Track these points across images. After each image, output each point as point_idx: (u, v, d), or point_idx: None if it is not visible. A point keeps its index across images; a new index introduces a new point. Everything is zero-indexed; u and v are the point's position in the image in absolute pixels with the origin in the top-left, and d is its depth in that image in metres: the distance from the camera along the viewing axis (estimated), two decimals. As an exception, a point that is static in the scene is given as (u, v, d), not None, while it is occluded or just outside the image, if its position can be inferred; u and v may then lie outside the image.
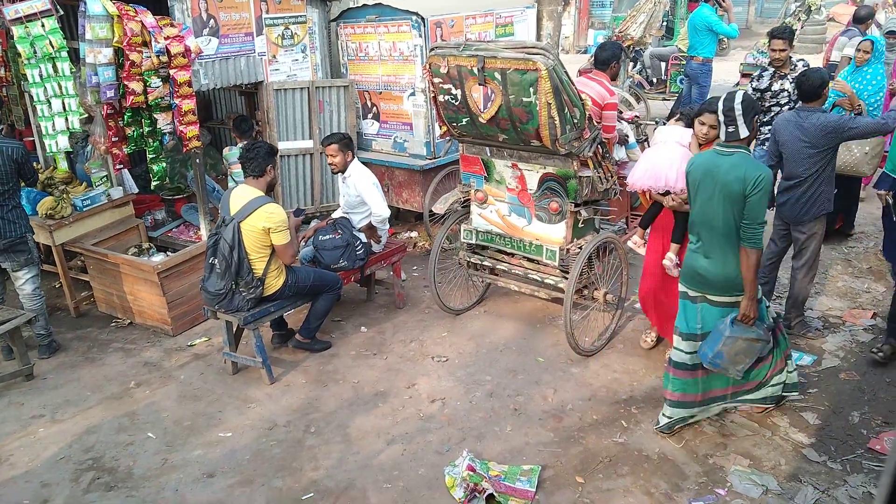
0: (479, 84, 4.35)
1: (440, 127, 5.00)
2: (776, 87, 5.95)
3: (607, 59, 5.17)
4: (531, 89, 4.12)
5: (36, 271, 5.03)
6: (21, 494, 3.72)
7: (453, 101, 4.60)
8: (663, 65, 11.15)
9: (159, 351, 5.20)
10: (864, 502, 3.46)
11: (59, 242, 5.55)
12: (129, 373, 4.92)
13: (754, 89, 5.98)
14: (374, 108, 6.93)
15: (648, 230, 4.74)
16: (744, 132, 3.51)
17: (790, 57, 5.99)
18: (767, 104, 5.99)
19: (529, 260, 4.98)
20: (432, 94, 4.78)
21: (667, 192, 4.29)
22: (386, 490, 3.67)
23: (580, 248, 4.68)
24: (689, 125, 4.34)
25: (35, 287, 5.01)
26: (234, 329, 4.81)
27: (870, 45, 6.23)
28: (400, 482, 3.73)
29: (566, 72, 4.18)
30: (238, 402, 4.53)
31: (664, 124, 4.86)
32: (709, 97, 7.00)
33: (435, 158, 6.66)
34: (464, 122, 4.69)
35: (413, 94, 6.52)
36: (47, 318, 5.17)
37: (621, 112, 5.81)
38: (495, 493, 3.53)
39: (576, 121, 4.28)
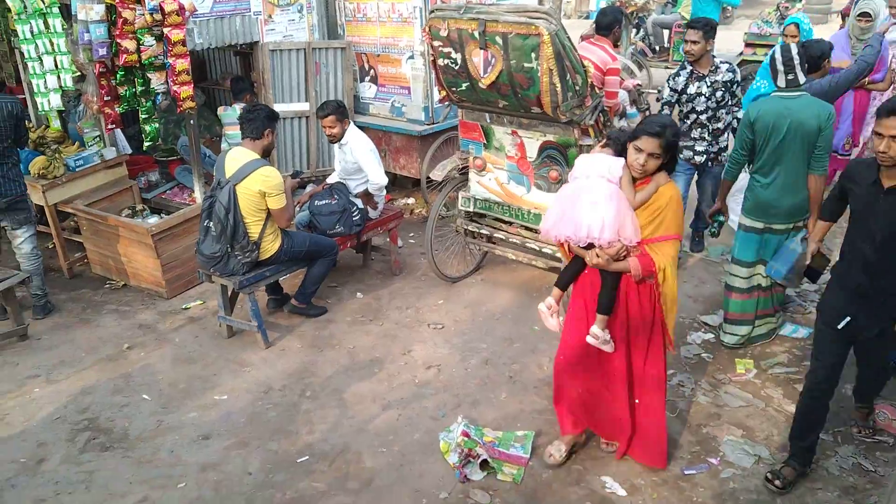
0: (480, 48, 4.27)
1: (439, 92, 4.92)
2: (692, 89, 5.01)
3: (609, 24, 5.11)
4: (533, 55, 4.05)
5: (33, 230, 4.99)
6: (18, 453, 3.73)
7: (453, 66, 4.53)
8: (666, 32, 10.98)
9: (154, 313, 5.19)
10: (853, 473, 3.50)
11: (51, 202, 5.49)
12: (123, 335, 4.90)
13: (671, 89, 5.11)
14: (372, 70, 6.82)
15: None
16: (802, 78, 4.01)
17: (713, 56, 5.05)
18: (684, 110, 5.12)
19: (527, 229, 4.95)
20: (432, 58, 4.70)
21: (591, 245, 3.14)
22: (381, 454, 3.70)
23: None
24: (620, 153, 3.21)
25: (33, 247, 4.97)
26: (230, 293, 4.79)
27: (795, 29, 5.52)
28: (395, 447, 3.75)
29: (569, 37, 4.11)
30: (233, 365, 4.53)
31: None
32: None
33: (433, 124, 6.58)
34: (463, 87, 4.62)
35: (412, 57, 6.41)
36: (43, 278, 5.14)
37: (622, 80, 5.74)
38: (489, 459, 3.55)
39: (577, 88, 4.21)
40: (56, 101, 5.07)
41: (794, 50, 3.98)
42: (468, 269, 5.67)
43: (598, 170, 3.14)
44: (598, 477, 3.51)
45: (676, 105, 5.14)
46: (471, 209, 5.19)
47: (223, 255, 4.45)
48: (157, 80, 5.05)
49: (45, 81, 4.95)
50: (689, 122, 5.12)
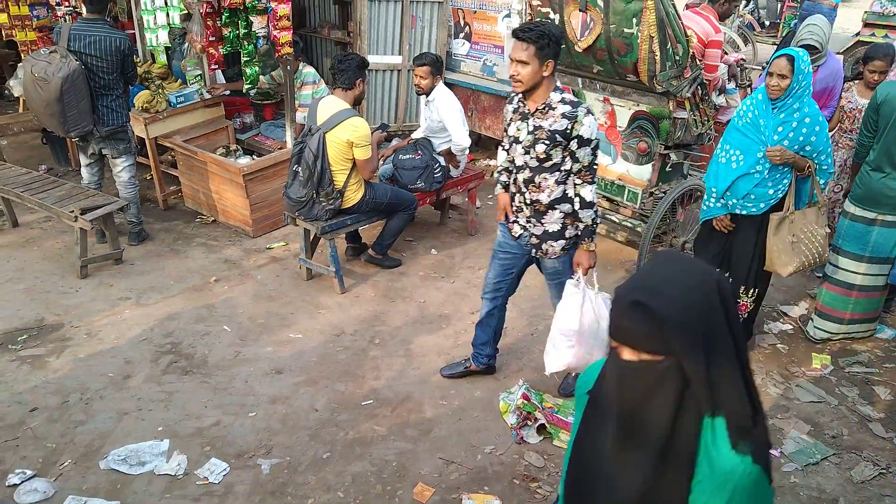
0: (580, 10, 4.18)
1: (533, 53, 4.85)
2: (512, 128, 3.31)
3: None
4: (634, 20, 3.93)
5: (133, 160, 5.27)
6: (107, 367, 4.02)
7: (550, 28, 4.45)
8: (779, 6, 10.41)
9: (239, 250, 5.42)
10: (927, 484, 3.36)
11: (152, 135, 5.77)
12: (210, 267, 5.15)
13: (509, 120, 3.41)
14: (467, 27, 6.77)
15: None
16: None
17: (556, 88, 3.15)
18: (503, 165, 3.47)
19: (609, 200, 4.87)
20: (529, 17, 4.63)
21: None
22: (441, 406, 3.79)
23: (664, 192, 4.54)
24: None
25: (131, 176, 5.26)
26: (312, 237, 4.95)
27: (787, 65, 3.51)
28: (455, 401, 3.84)
29: (673, 4, 3.97)
30: (309, 306, 4.70)
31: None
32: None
33: (523, 86, 6.49)
34: (558, 51, 4.53)
35: (508, 15, 6.33)
36: (139, 207, 5.43)
37: (726, 52, 5.49)
38: (547, 424, 3.59)
39: (678, 58, 4.07)
40: (163, 37, 5.29)
41: None
42: (545, 235, 5.63)
43: None
44: (656, 455, 3.49)
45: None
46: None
47: (308, 200, 4.59)
48: (258, 24, 5.18)
49: (155, 18, 5.17)
50: (513, 177, 3.44)
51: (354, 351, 4.25)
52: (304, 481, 3.28)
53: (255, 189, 5.45)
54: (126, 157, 5.19)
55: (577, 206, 3.30)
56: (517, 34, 3.00)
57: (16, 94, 6.63)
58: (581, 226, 3.34)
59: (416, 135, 5.57)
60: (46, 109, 4.73)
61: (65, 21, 5.80)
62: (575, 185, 3.28)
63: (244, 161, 5.65)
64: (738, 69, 5.68)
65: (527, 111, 3.21)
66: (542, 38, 2.96)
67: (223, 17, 5.14)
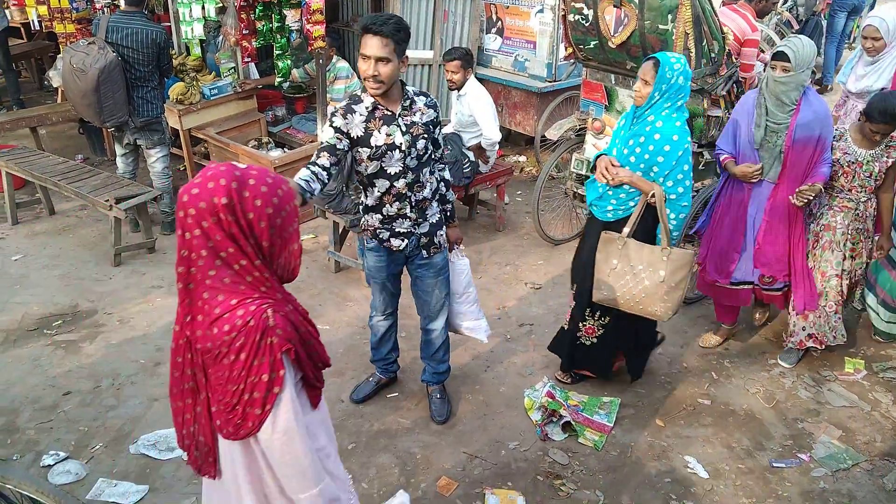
0: (614, 6, 4.14)
1: (565, 48, 4.83)
2: (378, 138, 2.96)
3: None
4: (669, 16, 3.89)
5: (167, 151, 5.35)
6: (138, 354, 4.09)
7: (583, 22, 4.42)
8: (817, 2, 10.17)
9: (268, 241, 5.46)
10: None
11: (186, 127, 5.85)
12: (239, 258, 5.20)
13: (337, 130, 2.98)
14: (500, 22, 6.75)
15: None
16: None
17: (402, 83, 2.99)
18: (364, 170, 3.07)
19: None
20: (562, 13, 4.61)
21: None
22: (467, 401, 3.80)
23: (697, 191, 4.47)
24: None
25: (165, 166, 5.34)
26: (340, 230, 4.98)
27: (651, 71, 3.10)
28: (480, 396, 3.84)
29: (710, 1, 3.91)
30: (337, 298, 4.73)
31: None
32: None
33: (555, 81, 6.46)
34: (591, 46, 4.50)
35: (541, 10, 6.29)
36: (172, 197, 5.51)
37: (762, 51, 5.40)
38: (572, 422, 3.57)
39: (713, 55, 4.02)
40: (199, 30, 5.36)
41: None
42: (572, 232, 5.61)
43: None
44: (682, 455, 3.47)
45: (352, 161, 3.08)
46: (583, 172, 5.10)
47: (338, 193, 4.61)
48: (291, 18, 5.22)
49: (191, 11, 5.23)
50: (377, 192, 3.11)
51: (381, 344, 4.26)
52: (329, 471, 3.30)
53: (286, 181, 5.49)
54: (160, 148, 5.27)
55: (443, 190, 3.34)
56: (372, 28, 2.72)
57: (55, 85, 6.77)
58: (449, 206, 3.41)
59: (446, 130, 5.56)
60: (83, 100, 4.82)
61: (103, 13, 5.89)
62: (439, 170, 3.28)
63: (276, 153, 5.71)
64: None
65: (388, 113, 2.96)
66: (399, 31, 2.76)
67: (257, 10, 5.19)
